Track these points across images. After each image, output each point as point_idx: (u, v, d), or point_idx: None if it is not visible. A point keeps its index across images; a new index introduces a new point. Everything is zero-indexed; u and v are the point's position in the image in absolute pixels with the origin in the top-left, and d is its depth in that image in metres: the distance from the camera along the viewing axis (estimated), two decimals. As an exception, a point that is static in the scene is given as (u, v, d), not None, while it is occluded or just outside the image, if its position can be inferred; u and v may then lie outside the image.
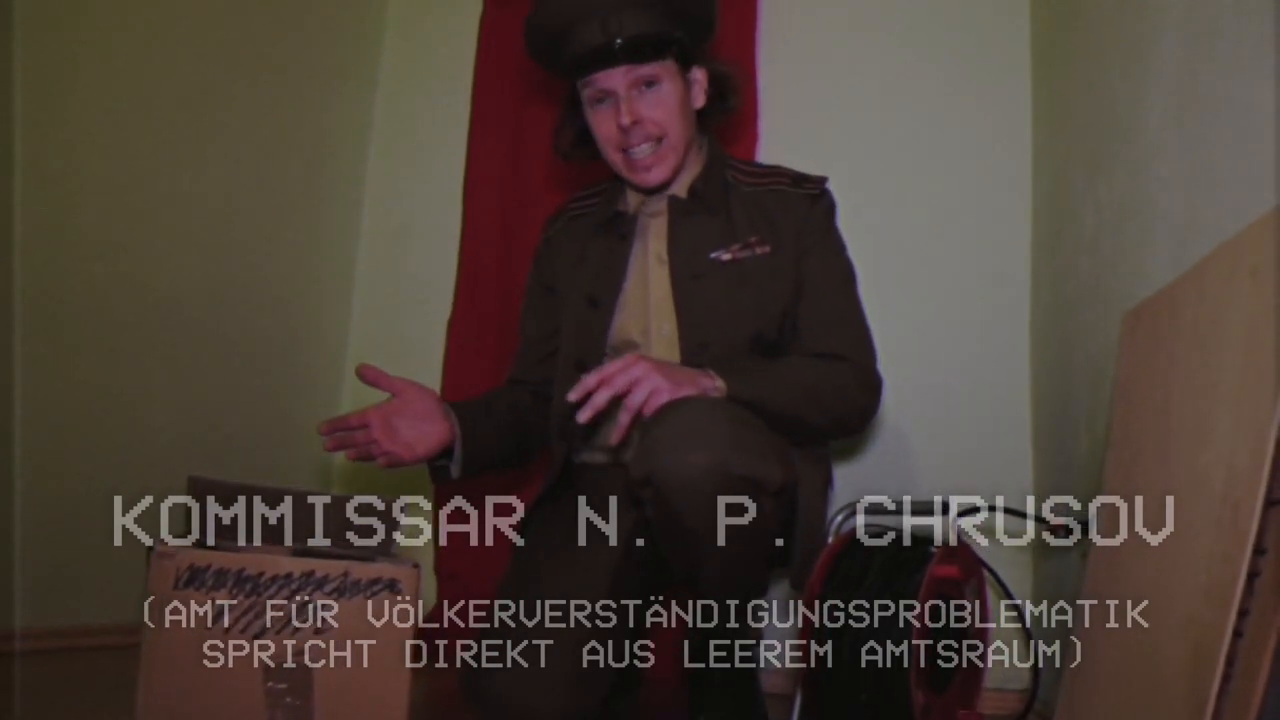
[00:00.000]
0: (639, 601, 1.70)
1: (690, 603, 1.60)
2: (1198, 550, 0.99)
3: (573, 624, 1.56)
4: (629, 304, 1.78)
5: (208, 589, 1.26)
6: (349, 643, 1.31)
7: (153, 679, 1.24)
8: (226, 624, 1.27)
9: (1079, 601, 1.39)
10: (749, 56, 2.33)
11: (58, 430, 1.86)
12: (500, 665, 1.54)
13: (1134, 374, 1.33)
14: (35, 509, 1.80)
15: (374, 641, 1.33)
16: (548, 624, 1.56)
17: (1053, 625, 1.85)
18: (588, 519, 1.72)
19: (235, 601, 1.27)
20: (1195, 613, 0.96)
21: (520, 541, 1.81)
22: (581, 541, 1.68)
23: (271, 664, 1.28)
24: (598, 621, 1.57)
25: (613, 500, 1.71)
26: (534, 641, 1.55)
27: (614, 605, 1.61)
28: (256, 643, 1.28)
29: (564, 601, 1.59)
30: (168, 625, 1.25)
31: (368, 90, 2.71)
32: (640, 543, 1.64)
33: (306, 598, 1.30)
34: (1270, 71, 1.11)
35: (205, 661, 1.26)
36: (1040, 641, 1.84)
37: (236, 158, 2.21)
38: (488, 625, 1.64)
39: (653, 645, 2.03)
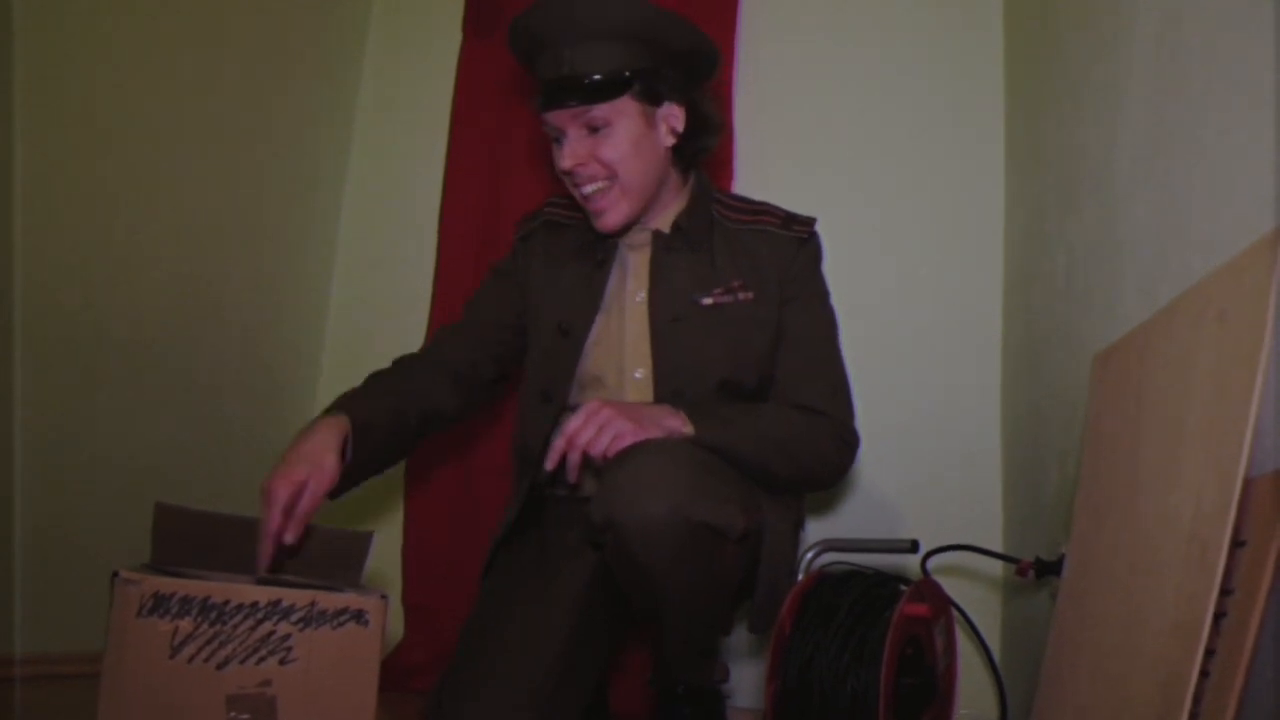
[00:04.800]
0: (604, 637, 1.69)
1: (655, 638, 1.59)
2: (1165, 590, 0.99)
3: (539, 660, 1.54)
4: (602, 339, 1.74)
5: (172, 616, 1.24)
6: (314, 673, 1.29)
7: (114, 708, 1.22)
8: (190, 653, 1.24)
9: (1047, 640, 1.39)
10: (725, 97, 2.34)
11: (56, 457, 1.85)
12: (465, 702, 1.52)
13: (1103, 415, 1.34)
14: (35, 535, 1.78)
15: (340, 672, 1.31)
16: (513, 660, 1.55)
17: (1021, 664, 1.85)
18: (552, 556, 1.71)
19: (199, 630, 1.25)
20: (1162, 652, 0.96)
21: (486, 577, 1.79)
22: (546, 577, 1.67)
23: (235, 694, 1.26)
24: (564, 657, 1.56)
25: (576, 535, 1.71)
26: (499, 678, 1.53)
27: (579, 641, 1.60)
28: (220, 672, 1.25)
29: (530, 637, 1.57)
30: (130, 653, 1.22)
31: (345, 120, 2.70)
32: (604, 580, 1.63)
33: (272, 627, 1.28)
34: (1239, 116, 1.13)
35: (168, 691, 1.23)
36: (1008, 680, 1.84)
37: (211, 185, 2.20)
38: (454, 660, 1.62)
39: (619, 679, 2.02)
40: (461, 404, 1.78)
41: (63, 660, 1.80)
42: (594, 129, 1.66)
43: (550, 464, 1.48)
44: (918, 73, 2.36)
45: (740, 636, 2.12)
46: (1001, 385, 2.17)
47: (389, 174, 2.68)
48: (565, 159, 1.66)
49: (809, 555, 1.78)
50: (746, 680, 2.10)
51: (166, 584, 1.25)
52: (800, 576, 1.72)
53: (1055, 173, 1.87)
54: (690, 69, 1.74)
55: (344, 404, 1.62)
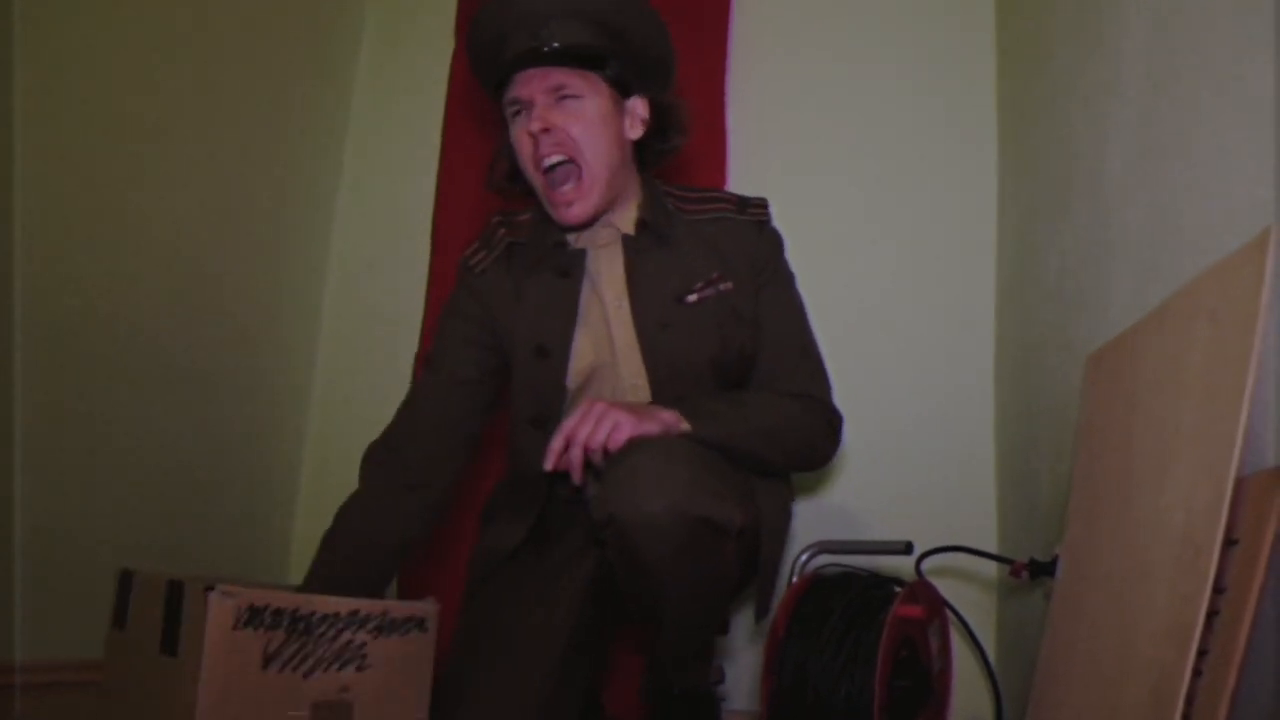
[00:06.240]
0: (603, 638, 1.69)
1: (652, 637, 1.59)
2: (1158, 590, 0.99)
3: (540, 662, 1.55)
4: (588, 352, 1.70)
5: (265, 628, 1.27)
6: (385, 678, 1.38)
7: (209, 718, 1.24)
8: (281, 663, 1.29)
9: (1042, 641, 1.40)
10: (718, 99, 2.35)
11: (56, 459, 1.85)
12: (466, 703, 1.52)
13: (1096, 416, 1.34)
14: (35, 540, 1.78)
15: (403, 676, 1.40)
16: (515, 662, 1.55)
17: (1015, 666, 1.85)
18: (553, 558, 1.71)
19: (290, 640, 1.29)
20: (1156, 652, 0.96)
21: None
22: (547, 579, 1.66)
23: (319, 700, 1.32)
24: (564, 659, 1.56)
25: (576, 537, 1.70)
26: (501, 680, 1.53)
27: (579, 643, 1.60)
28: (306, 680, 1.31)
29: (532, 639, 1.58)
30: (226, 666, 1.24)
31: (338, 124, 2.71)
32: (603, 581, 1.63)
33: (351, 636, 1.35)
34: (1230, 118, 1.13)
35: (259, 701, 1.26)
36: (1003, 682, 1.85)
37: (205, 188, 2.20)
38: (452, 662, 1.62)
39: (615, 678, 2.02)
40: (456, 477, 1.74)
41: (63, 668, 1.79)
42: (565, 97, 1.63)
43: (549, 465, 1.47)
44: (910, 76, 2.37)
45: (735, 639, 2.12)
46: (995, 387, 2.18)
47: (381, 177, 2.69)
48: (534, 121, 1.60)
49: (803, 558, 1.78)
50: (742, 682, 2.10)
51: (260, 596, 1.28)
52: (794, 579, 1.72)
53: (1047, 175, 1.88)
54: (656, 73, 1.74)
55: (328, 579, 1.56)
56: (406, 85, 2.71)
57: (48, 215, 1.81)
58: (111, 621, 1.43)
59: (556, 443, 1.47)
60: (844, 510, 2.22)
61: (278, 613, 1.28)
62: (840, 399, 1.73)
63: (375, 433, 1.73)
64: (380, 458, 1.70)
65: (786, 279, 1.76)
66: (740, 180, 2.34)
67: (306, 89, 2.57)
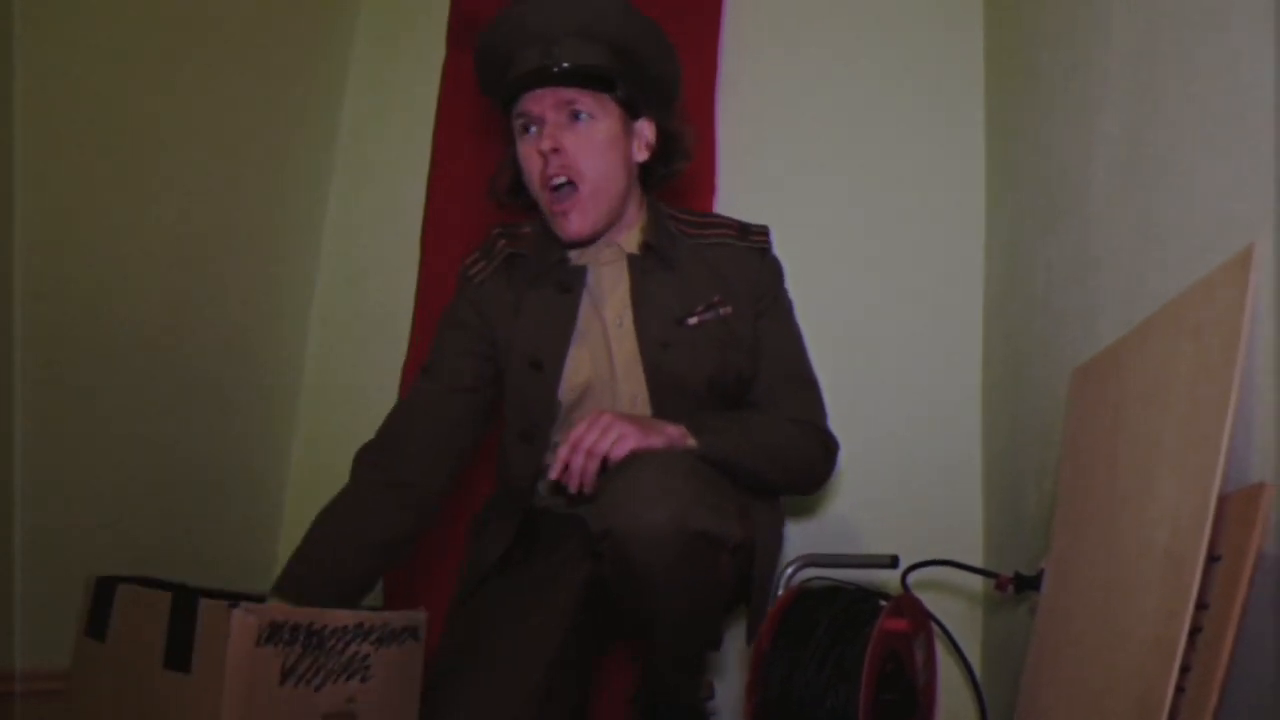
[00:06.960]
0: (593, 650, 1.68)
1: (644, 650, 1.58)
2: (1142, 606, 0.99)
3: (531, 669, 1.54)
4: (584, 368, 1.70)
5: (284, 644, 1.27)
6: (383, 687, 1.40)
7: None
8: (296, 677, 1.29)
9: (1027, 656, 1.40)
10: (708, 116, 2.35)
11: (55, 461, 1.84)
12: (459, 709, 1.51)
13: (1081, 431, 1.34)
14: (36, 544, 1.77)
15: (399, 684, 1.43)
16: (508, 667, 1.55)
17: (1001, 679, 1.85)
18: (545, 569, 1.70)
19: (305, 654, 1.30)
20: (1139, 668, 0.96)
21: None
22: (539, 590, 1.66)
23: (329, 712, 1.33)
24: (557, 665, 1.56)
25: (569, 549, 1.70)
26: (495, 686, 1.53)
27: (574, 649, 1.60)
28: (317, 693, 1.31)
29: (525, 645, 1.57)
30: (248, 682, 1.23)
31: (329, 132, 2.70)
32: (595, 593, 1.62)
33: (357, 648, 1.36)
34: (1214, 134, 1.14)
35: (276, 715, 1.26)
36: (988, 695, 1.84)
37: (195, 192, 2.19)
38: (440, 669, 1.61)
39: (607, 690, 2.01)
40: (448, 483, 1.73)
41: (64, 675, 1.78)
42: (575, 116, 1.64)
43: (554, 473, 1.48)
44: (899, 89, 2.37)
45: (725, 654, 2.11)
46: (982, 401, 2.18)
47: (372, 187, 2.68)
48: (545, 140, 1.62)
49: (789, 571, 1.78)
50: (732, 696, 2.09)
51: (280, 612, 1.29)
52: (780, 592, 1.72)
53: (1034, 192, 1.88)
54: (663, 94, 1.75)
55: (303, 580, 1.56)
56: (399, 91, 2.70)
57: (48, 215, 1.81)
58: (85, 631, 1.40)
59: (563, 451, 1.47)
60: (830, 523, 2.21)
61: (295, 628, 1.28)
62: (828, 409, 1.74)
63: (362, 434, 1.72)
64: (373, 459, 1.69)
65: (786, 307, 1.77)
66: (727, 198, 2.34)
67: (299, 93, 2.56)
